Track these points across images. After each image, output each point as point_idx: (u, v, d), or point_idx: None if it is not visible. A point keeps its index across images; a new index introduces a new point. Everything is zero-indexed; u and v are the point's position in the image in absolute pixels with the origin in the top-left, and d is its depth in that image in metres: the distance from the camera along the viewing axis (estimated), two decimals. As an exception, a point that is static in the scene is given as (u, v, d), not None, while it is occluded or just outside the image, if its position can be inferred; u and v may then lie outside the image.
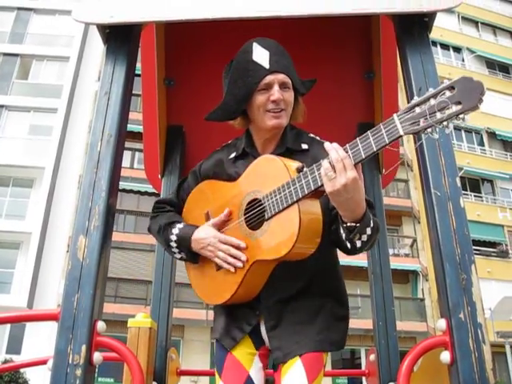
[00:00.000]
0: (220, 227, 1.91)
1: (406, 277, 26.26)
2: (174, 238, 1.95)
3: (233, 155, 2.03)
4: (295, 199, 1.67)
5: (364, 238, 1.69)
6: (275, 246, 1.71)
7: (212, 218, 1.94)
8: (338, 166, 1.55)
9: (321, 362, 1.83)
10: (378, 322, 2.82)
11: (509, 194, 30.93)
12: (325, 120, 3.13)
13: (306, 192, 1.65)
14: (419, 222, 26.03)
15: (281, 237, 1.70)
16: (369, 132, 1.54)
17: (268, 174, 1.80)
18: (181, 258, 2.02)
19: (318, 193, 1.69)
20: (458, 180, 1.80)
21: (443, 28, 32.26)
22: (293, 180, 1.69)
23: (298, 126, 2.07)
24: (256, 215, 1.81)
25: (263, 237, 1.76)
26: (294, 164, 1.76)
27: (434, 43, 32.24)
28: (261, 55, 1.90)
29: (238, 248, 1.82)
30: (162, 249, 2.39)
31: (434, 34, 30.31)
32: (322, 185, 1.62)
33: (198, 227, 1.94)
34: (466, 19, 34.80)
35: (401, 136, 1.49)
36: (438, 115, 1.42)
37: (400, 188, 28.05)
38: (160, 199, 2.19)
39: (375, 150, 1.52)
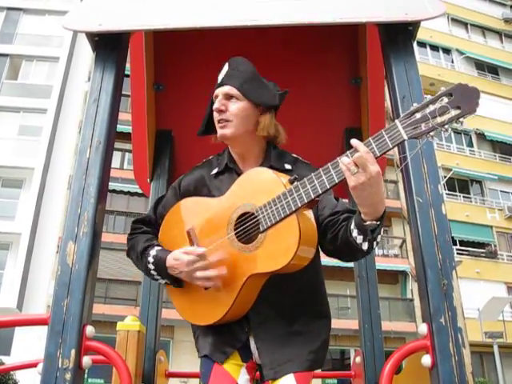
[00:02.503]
0: (207, 244, 1.85)
1: (396, 277, 26.37)
2: (151, 266, 1.92)
3: (215, 171, 2.04)
4: (294, 209, 1.68)
5: (379, 238, 1.71)
6: (273, 258, 1.70)
7: (196, 236, 1.89)
8: (361, 160, 1.55)
9: (310, 378, 1.86)
10: (363, 324, 2.86)
11: (497, 194, 31.09)
12: (313, 125, 3.18)
13: (306, 201, 1.67)
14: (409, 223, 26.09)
15: (280, 248, 1.69)
16: (370, 139, 1.59)
17: (260, 186, 1.79)
18: (166, 283, 1.97)
19: (311, 203, 1.71)
20: (439, 187, 1.84)
21: (433, 29, 32.38)
22: (289, 190, 1.70)
23: (286, 131, 2.09)
24: (249, 228, 1.78)
25: (259, 250, 1.74)
26: (286, 176, 1.78)
27: (424, 44, 32.41)
28: (221, 72, 2.01)
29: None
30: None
31: (423, 35, 30.48)
32: (322, 193, 1.66)
33: (170, 252, 1.90)
34: (455, 20, 34.94)
35: (404, 140, 1.56)
36: (439, 119, 1.52)
37: (389, 189, 28.14)
38: (137, 219, 2.14)
39: (378, 154, 1.58)
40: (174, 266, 1.85)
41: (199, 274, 1.80)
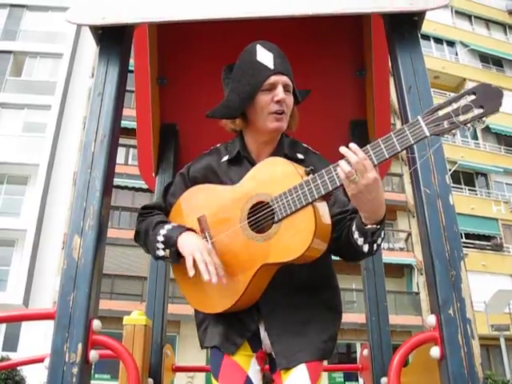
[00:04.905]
0: (219, 232, 1.84)
1: (401, 271, 26.35)
2: (163, 232, 1.85)
3: (225, 158, 2.01)
4: (310, 200, 1.67)
5: (379, 240, 1.72)
6: (287, 248, 1.69)
7: (207, 223, 1.87)
8: (358, 167, 1.57)
9: (321, 368, 1.85)
10: (370, 317, 2.85)
11: (503, 187, 31.01)
12: (318, 118, 3.15)
13: (323, 193, 1.66)
14: (414, 216, 26.00)
15: (294, 239, 1.68)
16: (392, 133, 1.59)
17: (275, 176, 1.78)
18: (163, 257, 1.89)
19: (327, 195, 1.71)
20: (447, 177, 1.83)
21: (436, 22, 32.24)
22: (306, 181, 1.69)
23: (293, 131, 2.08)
24: (263, 218, 1.77)
25: (272, 239, 1.72)
26: (302, 167, 1.77)
27: (428, 37, 32.26)
28: (265, 56, 1.92)
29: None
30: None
31: (427, 28, 30.39)
32: (340, 185, 1.64)
33: (193, 230, 1.86)
34: (459, 13, 34.77)
35: (426, 137, 1.56)
36: (462, 117, 1.53)
37: (394, 182, 28.12)
38: (146, 205, 2.07)
39: (399, 149, 1.58)
40: (190, 243, 1.79)
41: (202, 266, 1.73)
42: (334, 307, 1.94)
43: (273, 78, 1.88)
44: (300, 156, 1.98)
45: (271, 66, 1.89)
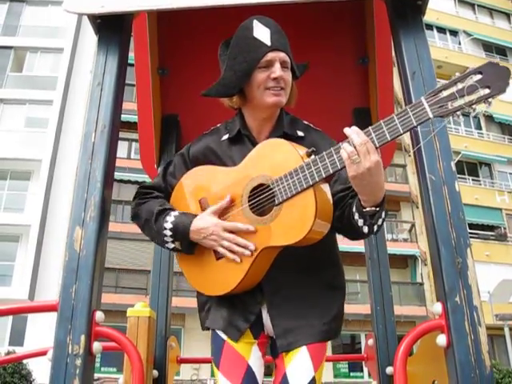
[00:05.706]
0: (220, 215, 1.83)
1: (405, 261, 26.37)
2: (168, 225, 1.82)
3: (225, 137, 1.98)
4: (311, 183, 1.65)
5: (380, 221, 1.70)
6: (288, 231, 1.68)
7: (208, 205, 1.86)
8: (361, 149, 1.55)
9: (324, 350, 1.84)
10: (375, 307, 2.83)
11: (507, 177, 30.95)
12: (321, 106, 3.13)
13: (324, 175, 1.64)
14: (417, 207, 26.04)
15: (295, 222, 1.67)
16: (394, 115, 1.56)
17: (276, 158, 1.75)
18: (173, 249, 1.89)
19: (328, 177, 1.69)
20: (452, 164, 1.80)
21: (439, 11, 32.08)
22: (307, 164, 1.66)
23: (293, 114, 2.05)
24: (263, 201, 1.75)
25: (273, 222, 1.71)
26: (303, 148, 1.75)
27: (431, 26, 32.09)
28: (261, 32, 1.87)
29: (246, 233, 1.75)
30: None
31: (430, 18, 30.26)
32: (341, 168, 1.63)
33: (195, 215, 1.85)
34: (462, 2, 34.60)
35: (429, 119, 1.52)
36: (467, 98, 1.47)
37: (398, 173, 28.08)
38: (145, 184, 2.03)
39: (402, 132, 1.55)
40: (203, 226, 1.79)
41: (226, 243, 1.77)
42: (336, 285, 1.94)
43: (270, 55, 1.85)
44: (300, 133, 1.96)
45: (268, 42, 1.85)
